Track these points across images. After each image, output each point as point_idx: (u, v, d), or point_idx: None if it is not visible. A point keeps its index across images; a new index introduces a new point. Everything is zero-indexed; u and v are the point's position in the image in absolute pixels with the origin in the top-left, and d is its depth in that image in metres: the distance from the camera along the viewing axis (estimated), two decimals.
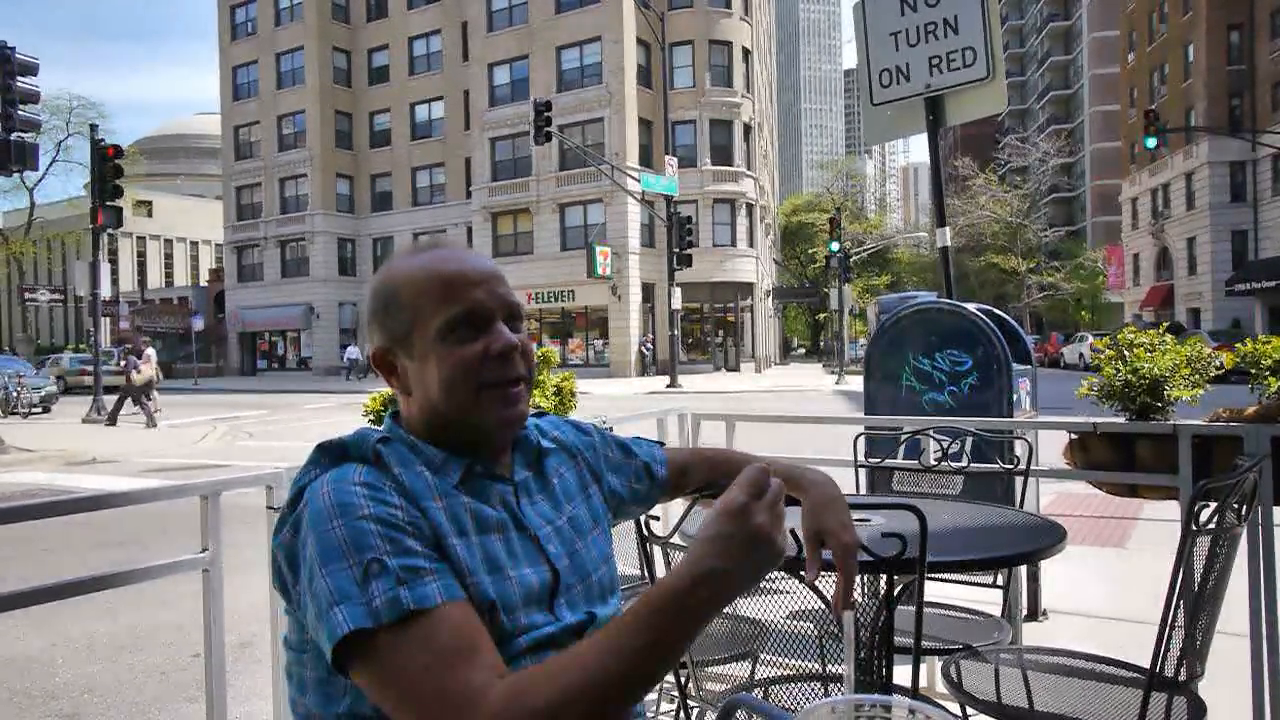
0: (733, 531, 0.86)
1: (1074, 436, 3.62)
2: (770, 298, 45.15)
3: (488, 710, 0.83)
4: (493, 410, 1.06)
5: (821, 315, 55.69)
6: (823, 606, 1.41)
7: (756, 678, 1.83)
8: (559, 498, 1.16)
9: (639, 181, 26.24)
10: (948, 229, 4.98)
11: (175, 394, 30.41)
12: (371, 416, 3.95)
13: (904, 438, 3.16)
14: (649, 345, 33.83)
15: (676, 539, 1.61)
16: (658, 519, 1.60)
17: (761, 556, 0.86)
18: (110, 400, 16.67)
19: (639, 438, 1.45)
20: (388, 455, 1.03)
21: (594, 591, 1.12)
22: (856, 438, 3.21)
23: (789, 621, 1.69)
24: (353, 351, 39.17)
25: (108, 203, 16.30)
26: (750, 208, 36.85)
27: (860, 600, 1.27)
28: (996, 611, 2.62)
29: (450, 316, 1.04)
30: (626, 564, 2.70)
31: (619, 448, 1.36)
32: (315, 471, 1.02)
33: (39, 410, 19.38)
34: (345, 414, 17.21)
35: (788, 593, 1.51)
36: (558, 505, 1.15)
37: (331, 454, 1.04)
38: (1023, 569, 3.51)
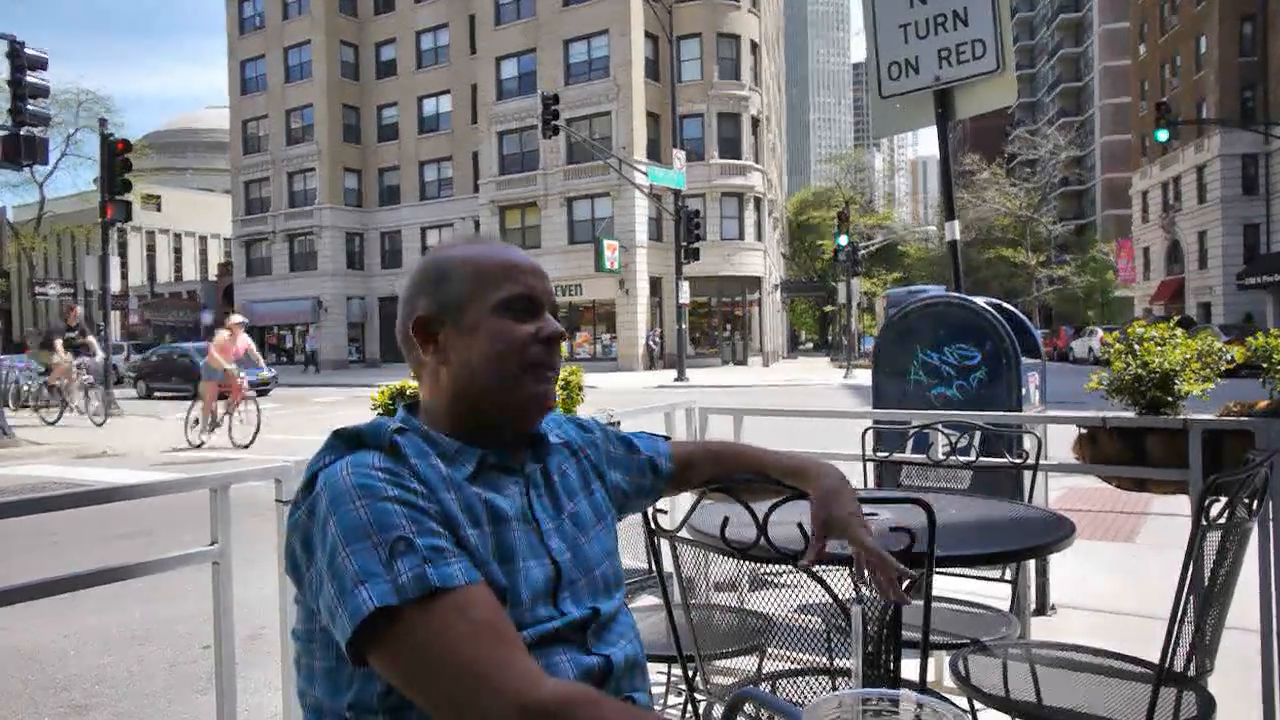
0: None
1: (1083, 431, 3.60)
2: (778, 291, 45.07)
3: (546, 700, 0.84)
4: (533, 386, 1.10)
5: (829, 309, 55.59)
6: (830, 600, 1.40)
7: (764, 671, 1.83)
8: (560, 495, 1.16)
9: (646, 175, 26.19)
10: (956, 222, 4.96)
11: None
12: (380, 410, 3.96)
13: (912, 432, 3.15)
14: (656, 339, 33.82)
15: (684, 532, 1.61)
16: (665, 512, 1.60)
17: None
18: (120, 394, 16.78)
19: (643, 432, 1.45)
20: (404, 445, 1.03)
21: (598, 586, 1.13)
22: (864, 432, 3.21)
23: (796, 615, 1.69)
24: (312, 343, 40.15)
25: (117, 197, 16.34)
26: (758, 201, 36.77)
27: (868, 595, 1.27)
28: (1005, 606, 2.62)
29: (512, 294, 1.10)
30: (635, 557, 2.71)
31: (621, 443, 1.37)
32: (330, 457, 1.03)
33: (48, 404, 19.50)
34: (354, 408, 17.27)
35: (795, 586, 1.51)
36: (559, 502, 1.15)
37: (348, 441, 1.05)
38: (1031, 563, 3.50)
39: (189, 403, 13.36)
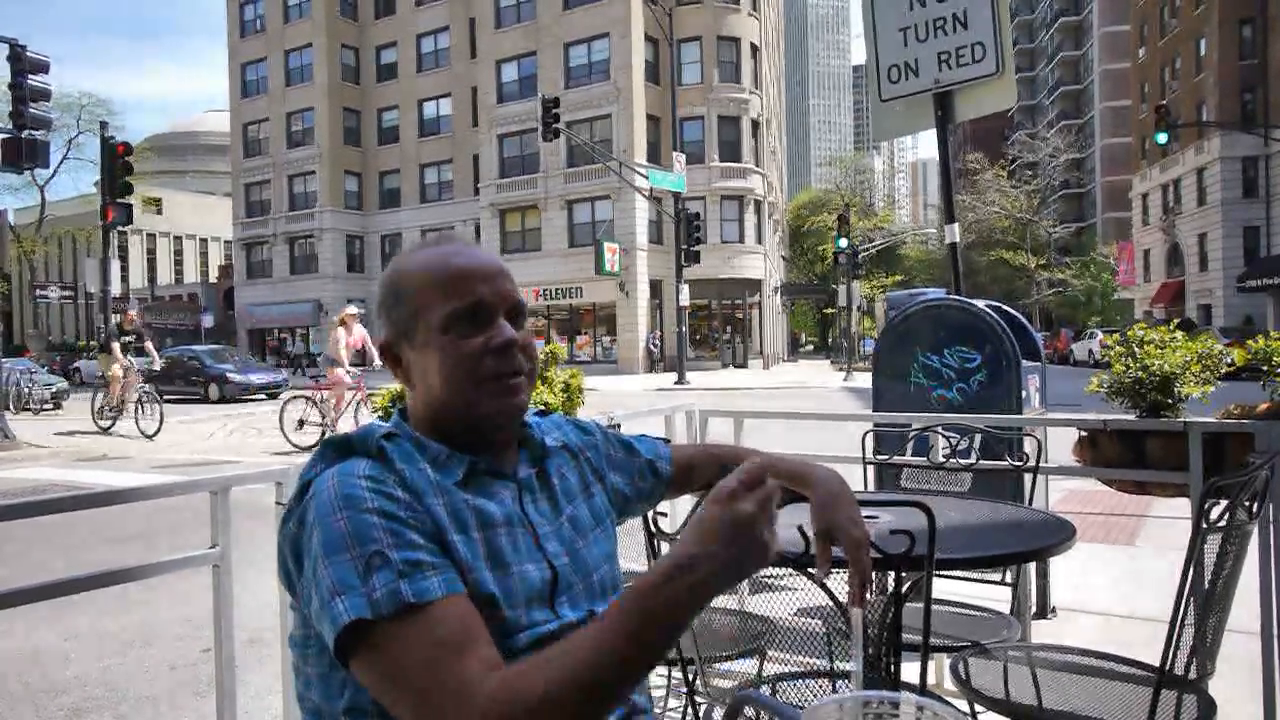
0: (717, 515, 0.85)
1: (1083, 434, 3.60)
2: (778, 294, 45.08)
3: (482, 702, 0.84)
4: (490, 402, 1.08)
5: (829, 312, 55.60)
6: (831, 603, 1.41)
7: (764, 674, 1.83)
8: (559, 498, 1.17)
9: (647, 178, 26.21)
10: (957, 225, 4.96)
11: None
12: (381, 413, 3.96)
13: (912, 434, 3.16)
14: (657, 342, 33.82)
15: None
16: (665, 515, 1.61)
17: (745, 547, 0.84)
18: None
19: (644, 435, 1.45)
20: (391, 451, 1.04)
21: (596, 590, 1.12)
22: (865, 434, 3.21)
23: (797, 618, 1.69)
24: (314, 346, 40.05)
25: (118, 200, 16.34)
26: (758, 204, 36.79)
27: (870, 597, 1.27)
28: (1005, 609, 2.62)
29: (453, 310, 1.06)
30: (635, 561, 2.71)
31: (622, 446, 1.37)
32: (321, 465, 1.03)
33: (50, 406, 19.50)
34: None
35: (796, 589, 1.51)
36: (557, 505, 1.15)
37: (337, 448, 1.05)
38: (1032, 566, 3.50)
39: (281, 400, 12.18)
